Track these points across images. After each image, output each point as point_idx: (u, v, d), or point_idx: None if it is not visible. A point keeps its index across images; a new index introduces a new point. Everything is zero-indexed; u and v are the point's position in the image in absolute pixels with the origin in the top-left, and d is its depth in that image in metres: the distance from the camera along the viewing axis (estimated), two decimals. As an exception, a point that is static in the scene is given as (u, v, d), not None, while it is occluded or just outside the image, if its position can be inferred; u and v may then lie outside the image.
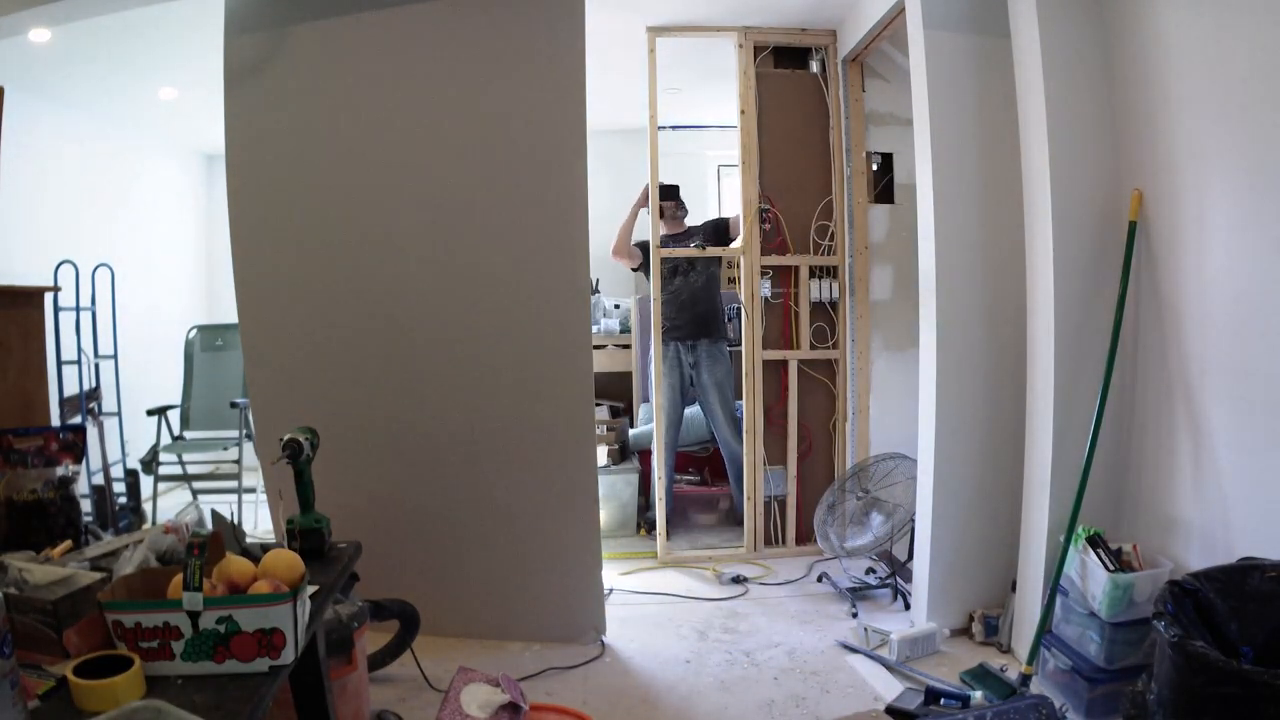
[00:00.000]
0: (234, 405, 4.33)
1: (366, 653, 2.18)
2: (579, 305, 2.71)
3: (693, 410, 4.22)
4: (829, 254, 3.67)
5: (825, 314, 3.70)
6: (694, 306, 3.90)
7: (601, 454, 4.02)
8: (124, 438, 4.20)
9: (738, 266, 3.72)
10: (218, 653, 1.18)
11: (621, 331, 4.82)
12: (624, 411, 4.67)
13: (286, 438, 1.80)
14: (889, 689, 2.40)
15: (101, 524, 3.32)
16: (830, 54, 3.64)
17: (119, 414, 4.23)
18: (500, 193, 2.67)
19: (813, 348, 3.68)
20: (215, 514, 1.72)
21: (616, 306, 4.99)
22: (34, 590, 1.30)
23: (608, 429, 4.18)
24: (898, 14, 2.94)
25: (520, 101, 2.65)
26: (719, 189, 5.49)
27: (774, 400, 3.68)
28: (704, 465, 4.10)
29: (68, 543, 1.64)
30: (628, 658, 2.69)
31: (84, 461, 1.99)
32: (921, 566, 2.78)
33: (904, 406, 3.39)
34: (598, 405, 4.06)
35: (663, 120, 3.71)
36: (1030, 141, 2.40)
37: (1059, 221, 2.32)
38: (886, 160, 3.70)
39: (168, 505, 4.37)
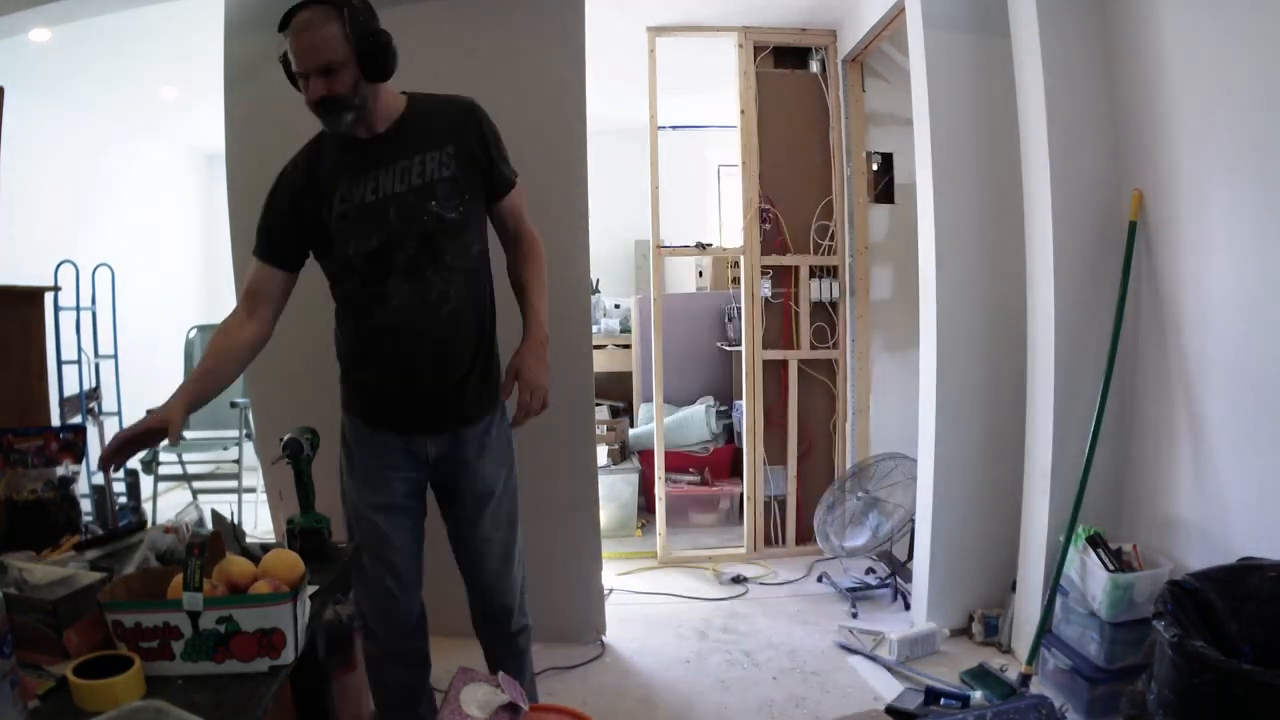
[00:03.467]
0: (234, 405, 4.33)
1: (366, 653, 2.17)
2: (579, 305, 2.71)
3: (692, 410, 4.22)
4: (829, 254, 3.66)
5: (825, 314, 3.70)
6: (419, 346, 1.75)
7: (601, 454, 4.01)
8: (124, 438, 4.19)
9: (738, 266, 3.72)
10: (218, 653, 1.18)
11: (621, 331, 4.82)
12: (624, 411, 4.67)
13: (286, 438, 1.80)
14: (889, 689, 2.40)
15: (101, 524, 3.31)
16: (830, 54, 3.64)
17: (119, 414, 4.23)
18: (500, 193, 2.66)
19: (813, 348, 3.68)
20: (215, 514, 1.71)
21: (616, 306, 4.99)
22: (34, 590, 1.30)
23: (608, 429, 4.18)
24: (898, 14, 2.94)
25: (520, 101, 2.64)
26: (719, 189, 5.49)
27: (774, 400, 3.68)
28: (704, 465, 4.10)
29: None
30: (628, 658, 2.69)
31: (84, 461, 1.98)
32: (921, 566, 2.78)
33: (904, 406, 3.39)
34: (598, 405, 4.06)
35: (663, 120, 3.71)
36: (1030, 141, 2.40)
37: (1059, 221, 2.32)
38: (886, 160, 3.70)
39: (168, 505, 4.37)
